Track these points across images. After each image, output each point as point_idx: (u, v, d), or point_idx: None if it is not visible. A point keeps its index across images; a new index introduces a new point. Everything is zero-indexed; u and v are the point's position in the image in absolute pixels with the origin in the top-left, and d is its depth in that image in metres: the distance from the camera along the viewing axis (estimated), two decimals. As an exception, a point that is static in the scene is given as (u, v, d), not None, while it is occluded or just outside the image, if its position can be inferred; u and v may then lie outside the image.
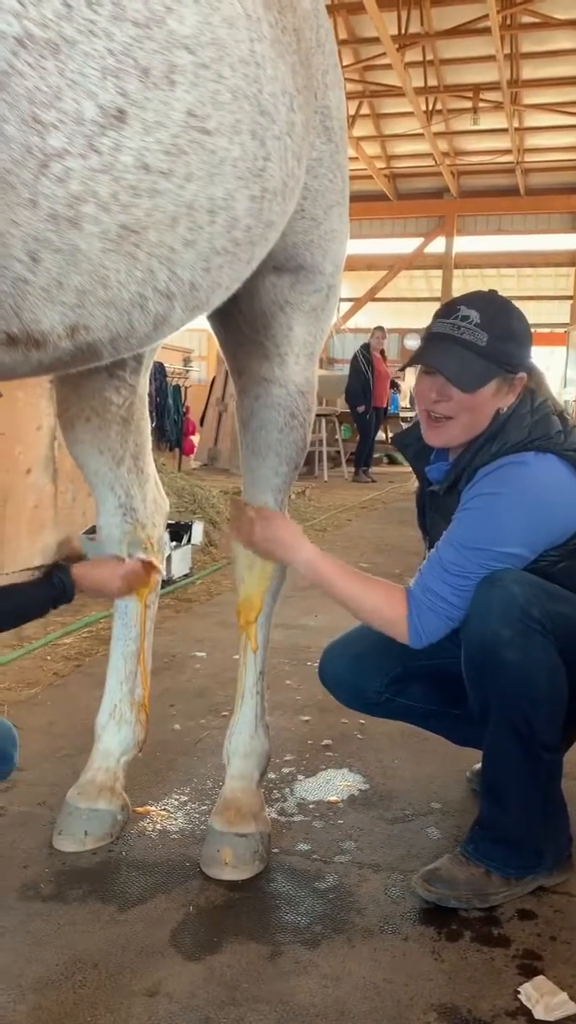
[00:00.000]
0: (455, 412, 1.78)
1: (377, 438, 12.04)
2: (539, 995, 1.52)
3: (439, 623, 1.78)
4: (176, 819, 2.17)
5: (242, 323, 1.95)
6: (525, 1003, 1.52)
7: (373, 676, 2.03)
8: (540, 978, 1.57)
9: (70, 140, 1.06)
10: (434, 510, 1.97)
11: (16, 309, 1.12)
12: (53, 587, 1.79)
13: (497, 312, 1.78)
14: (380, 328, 11.97)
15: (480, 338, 1.72)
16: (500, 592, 1.70)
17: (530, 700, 1.70)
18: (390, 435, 12.29)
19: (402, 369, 2.18)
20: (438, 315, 1.82)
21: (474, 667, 1.76)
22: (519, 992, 1.55)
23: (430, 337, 1.79)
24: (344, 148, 1.94)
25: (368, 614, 1.86)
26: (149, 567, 2.07)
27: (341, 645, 2.10)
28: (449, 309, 1.80)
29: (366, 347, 11.67)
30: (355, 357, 11.71)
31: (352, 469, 11.66)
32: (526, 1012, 1.50)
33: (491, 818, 1.84)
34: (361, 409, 11.37)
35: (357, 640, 2.07)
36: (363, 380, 11.34)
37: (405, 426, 2.11)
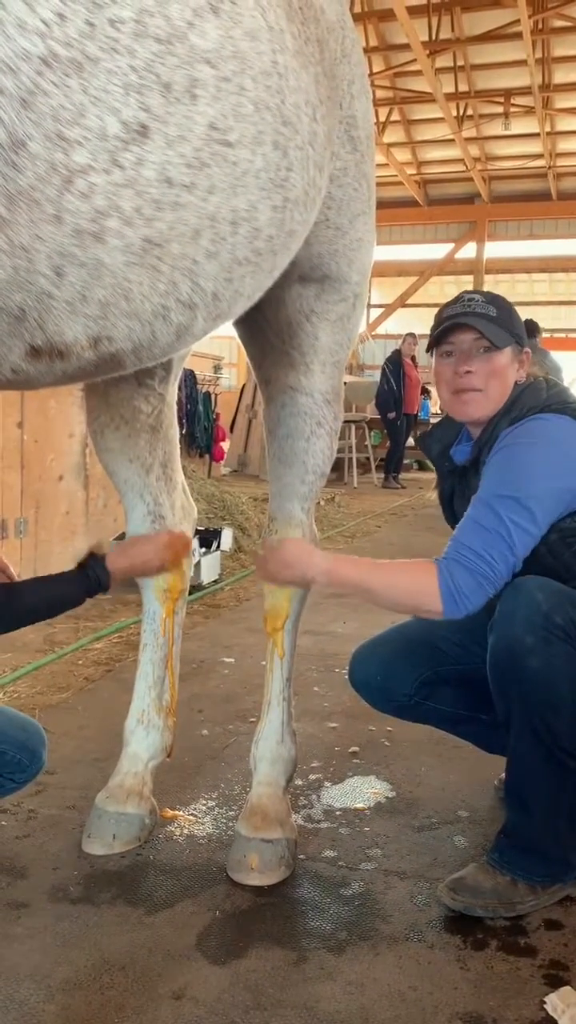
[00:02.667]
0: (483, 382, 1.84)
1: (407, 444, 12.00)
2: (565, 1005, 1.51)
3: (472, 582, 1.70)
4: (203, 824, 2.19)
5: (269, 332, 1.97)
6: (551, 1013, 1.51)
7: (403, 679, 2.03)
8: (566, 988, 1.56)
9: (94, 156, 1.08)
10: (462, 496, 1.96)
11: (40, 322, 1.15)
12: (88, 578, 1.81)
13: (495, 296, 1.91)
14: (411, 334, 11.94)
15: (490, 311, 1.84)
16: (524, 599, 1.70)
17: (552, 707, 1.70)
18: (420, 441, 12.24)
19: (429, 350, 2.22)
20: (445, 306, 1.92)
21: (498, 673, 1.76)
22: (545, 1002, 1.54)
23: (446, 320, 1.86)
24: (370, 158, 1.95)
25: (397, 593, 1.79)
26: (182, 539, 2.07)
27: (371, 647, 2.11)
28: (454, 300, 1.91)
29: (397, 353, 11.64)
30: (385, 364, 11.68)
31: (382, 475, 11.63)
32: (551, 1022, 1.49)
33: (516, 826, 1.83)
34: (391, 416, 11.34)
35: (388, 643, 2.08)
36: (393, 386, 11.31)
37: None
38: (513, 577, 1.75)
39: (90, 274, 1.14)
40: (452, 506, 2.05)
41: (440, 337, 1.87)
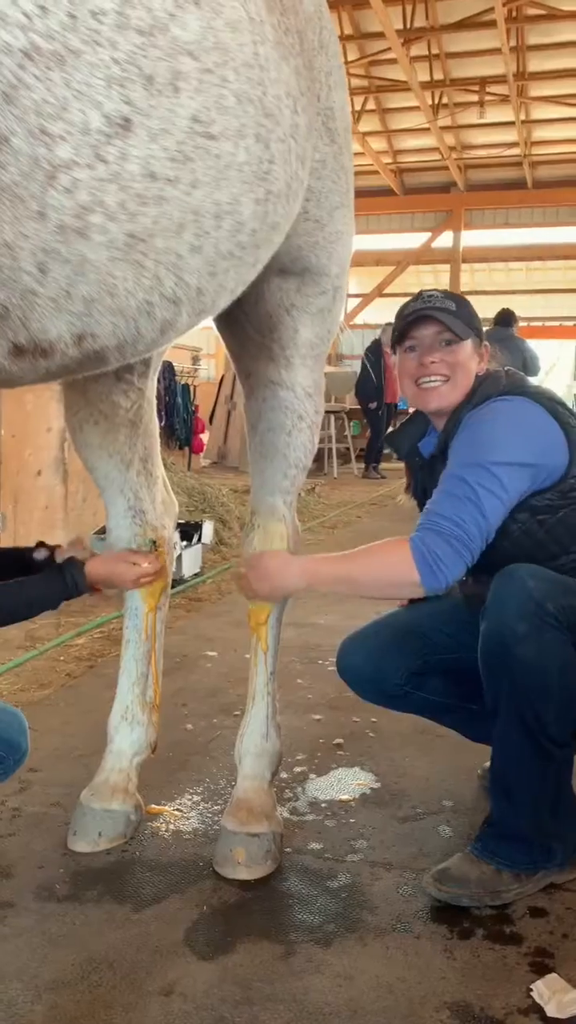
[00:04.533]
0: (449, 371, 1.88)
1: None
2: (551, 992, 1.53)
3: (447, 547, 1.72)
4: (189, 819, 2.18)
5: (248, 326, 1.96)
6: (537, 1000, 1.53)
7: (393, 669, 2.03)
8: (552, 976, 1.58)
9: (77, 151, 1.06)
10: (431, 485, 1.97)
11: (24, 320, 1.13)
12: (65, 584, 1.81)
13: (453, 293, 1.97)
14: (391, 324, 11.93)
15: (450, 305, 1.89)
16: (516, 586, 1.71)
17: (541, 694, 1.71)
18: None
19: (392, 347, 2.23)
20: (407, 304, 1.95)
21: (489, 659, 1.76)
22: (531, 990, 1.55)
23: (409, 316, 1.90)
24: (348, 150, 1.94)
25: (376, 575, 1.80)
26: (161, 568, 2.07)
27: (360, 638, 2.11)
28: (413, 297, 1.96)
29: (377, 343, 11.63)
30: (366, 354, 11.68)
31: (362, 466, 11.64)
32: (538, 1010, 1.51)
33: (500, 813, 1.85)
34: (373, 405, 11.36)
35: (376, 633, 2.09)
36: (375, 376, 11.31)
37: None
38: (486, 557, 1.77)
39: (74, 270, 1.13)
40: (425, 499, 2.05)
41: (403, 332, 1.91)
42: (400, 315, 1.93)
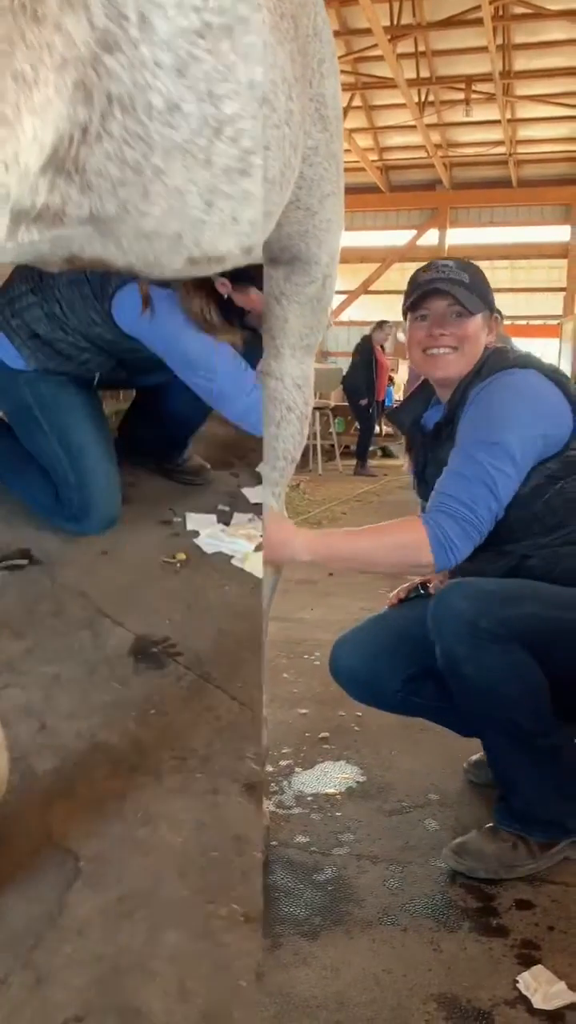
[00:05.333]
0: (457, 342, 1.90)
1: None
2: (537, 984, 1.53)
3: (459, 530, 1.74)
4: (174, 812, 2.17)
5: (238, 315, 1.95)
6: (524, 992, 1.52)
7: (391, 675, 2.02)
8: (538, 967, 1.58)
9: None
10: (435, 463, 1.97)
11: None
12: None
13: (467, 263, 2.00)
14: (385, 321, 11.91)
15: (463, 277, 1.91)
16: (448, 611, 1.74)
17: (502, 704, 1.74)
18: (385, 429, 12.28)
19: (406, 313, 2.23)
20: (419, 272, 1.98)
21: (447, 678, 1.81)
22: (518, 981, 1.55)
23: (421, 285, 1.92)
24: (339, 137, 1.92)
25: (386, 553, 1.81)
26: None
27: (356, 640, 2.09)
28: (426, 267, 1.99)
29: (367, 340, 11.60)
30: (356, 350, 11.65)
31: (347, 462, 11.62)
32: (525, 1001, 1.51)
33: (511, 800, 1.89)
34: (363, 402, 11.34)
35: (372, 636, 2.08)
36: (366, 373, 11.28)
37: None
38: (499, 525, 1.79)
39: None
40: (424, 476, 2.05)
41: (416, 303, 1.93)
42: (414, 283, 1.95)
